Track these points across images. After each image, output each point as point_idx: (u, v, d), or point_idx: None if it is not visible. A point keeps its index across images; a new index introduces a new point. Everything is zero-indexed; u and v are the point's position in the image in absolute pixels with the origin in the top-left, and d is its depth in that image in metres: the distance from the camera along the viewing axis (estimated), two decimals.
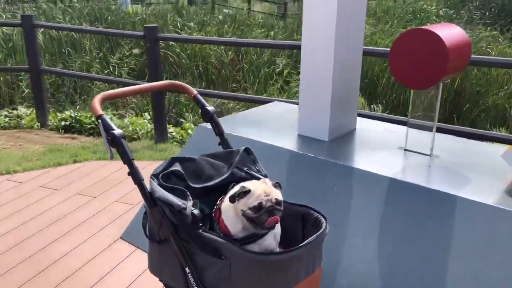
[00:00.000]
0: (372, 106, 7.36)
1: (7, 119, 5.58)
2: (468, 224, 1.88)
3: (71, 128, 5.21)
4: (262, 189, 1.36)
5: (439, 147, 2.45)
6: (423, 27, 2.19)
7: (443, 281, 1.84)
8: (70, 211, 3.02)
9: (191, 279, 1.38)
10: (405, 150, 2.46)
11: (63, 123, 5.24)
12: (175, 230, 1.39)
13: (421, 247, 1.94)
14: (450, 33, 2.23)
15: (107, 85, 7.41)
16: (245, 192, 1.34)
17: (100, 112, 1.48)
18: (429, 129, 2.40)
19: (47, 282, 2.29)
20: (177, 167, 1.55)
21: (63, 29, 7.92)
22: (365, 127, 2.85)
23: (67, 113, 5.39)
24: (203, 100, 1.79)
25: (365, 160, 2.31)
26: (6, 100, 7.81)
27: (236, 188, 1.40)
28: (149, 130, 5.01)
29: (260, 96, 6.25)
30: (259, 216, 1.32)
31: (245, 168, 1.63)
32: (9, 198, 3.18)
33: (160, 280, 1.57)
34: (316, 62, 2.53)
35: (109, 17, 10.93)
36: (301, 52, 2.59)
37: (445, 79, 2.23)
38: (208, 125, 2.09)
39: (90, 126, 5.10)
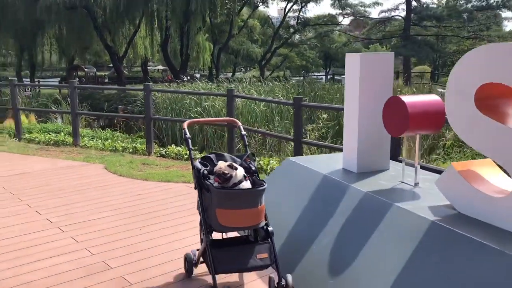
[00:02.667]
0: None
1: None
2: (391, 221, 2.90)
3: None
4: (220, 165, 2.84)
5: (427, 181, 3.36)
6: (400, 96, 3.29)
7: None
8: None
9: (199, 206, 2.94)
10: (402, 182, 3.46)
11: None
12: (197, 181, 2.98)
13: (363, 233, 3.02)
14: (422, 102, 3.25)
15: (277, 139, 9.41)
16: (216, 165, 2.87)
17: (185, 127, 3.22)
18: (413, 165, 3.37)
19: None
20: (212, 156, 3.15)
21: (253, 99, 10.41)
22: (398, 169, 3.84)
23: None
24: (243, 131, 3.36)
25: (361, 182, 3.44)
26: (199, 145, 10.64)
27: None
28: None
29: None
30: (215, 176, 2.81)
31: (247, 162, 3.11)
32: (183, 192, 5.21)
33: (199, 214, 3.14)
34: (349, 121, 3.79)
35: (317, 91, 13.29)
36: (344, 113, 3.89)
37: (412, 133, 3.23)
38: (293, 159, 3.59)
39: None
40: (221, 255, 2.82)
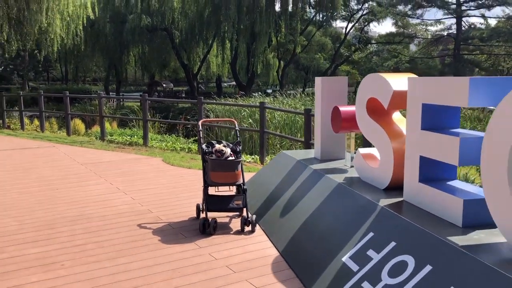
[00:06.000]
0: None
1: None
2: (320, 184, 4.55)
3: None
4: (219, 146, 4.64)
5: None
6: (339, 105, 4.91)
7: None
8: None
9: (203, 173, 4.77)
10: (344, 165, 5.07)
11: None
12: (202, 156, 4.81)
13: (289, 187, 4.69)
14: (353, 110, 4.84)
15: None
16: (214, 146, 4.68)
17: (199, 123, 5.10)
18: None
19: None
20: (214, 142, 4.97)
21: (277, 110, 12.01)
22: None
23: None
24: (237, 127, 5.16)
25: (317, 164, 5.08)
26: (249, 149, 12.43)
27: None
28: None
29: None
30: (214, 153, 4.62)
31: (236, 146, 4.90)
32: None
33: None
34: (316, 124, 5.46)
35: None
36: (314, 118, 5.55)
37: (347, 131, 4.84)
38: (287, 152, 5.39)
39: None
40: (211, 200, 4.63)
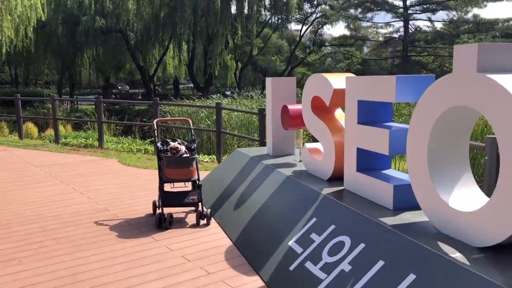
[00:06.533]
0: None
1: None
2: (271, 177, 4.84)
3: None
4: (174, 144, 4.85)
5: None
6: (288, 104, 5.23)
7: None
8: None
9: (159, 170, 4.96)
10: (294, 160, 5.38)
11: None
12: (157, 154, 5.00)
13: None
14: (301, 108, 5.17)
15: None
16: (169, 144, 4.88)
17: (155, 122, 5.28)
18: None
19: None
20: (169, 140, 5.17)
21: (233, 110, 12.34)
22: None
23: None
24: (192, 126, 5.37)
25: (268, 160, 5.37)
26: (207, 150, 12.63)
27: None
28: None
29: None
30: (170, 150, 4.82)
31: (190, 144, 5.12)
32: None
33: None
34: (267, 122, 5.75)
35: None
36: (266, 113, 5.84)
37: (296, 127, 5.15)
38: (242, 149, 5.60)
39: None
40: (167, 196, 4.83)
